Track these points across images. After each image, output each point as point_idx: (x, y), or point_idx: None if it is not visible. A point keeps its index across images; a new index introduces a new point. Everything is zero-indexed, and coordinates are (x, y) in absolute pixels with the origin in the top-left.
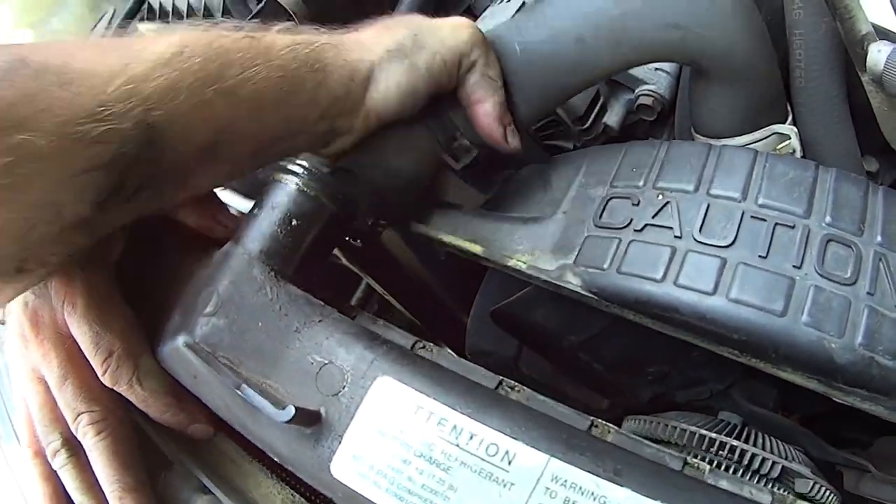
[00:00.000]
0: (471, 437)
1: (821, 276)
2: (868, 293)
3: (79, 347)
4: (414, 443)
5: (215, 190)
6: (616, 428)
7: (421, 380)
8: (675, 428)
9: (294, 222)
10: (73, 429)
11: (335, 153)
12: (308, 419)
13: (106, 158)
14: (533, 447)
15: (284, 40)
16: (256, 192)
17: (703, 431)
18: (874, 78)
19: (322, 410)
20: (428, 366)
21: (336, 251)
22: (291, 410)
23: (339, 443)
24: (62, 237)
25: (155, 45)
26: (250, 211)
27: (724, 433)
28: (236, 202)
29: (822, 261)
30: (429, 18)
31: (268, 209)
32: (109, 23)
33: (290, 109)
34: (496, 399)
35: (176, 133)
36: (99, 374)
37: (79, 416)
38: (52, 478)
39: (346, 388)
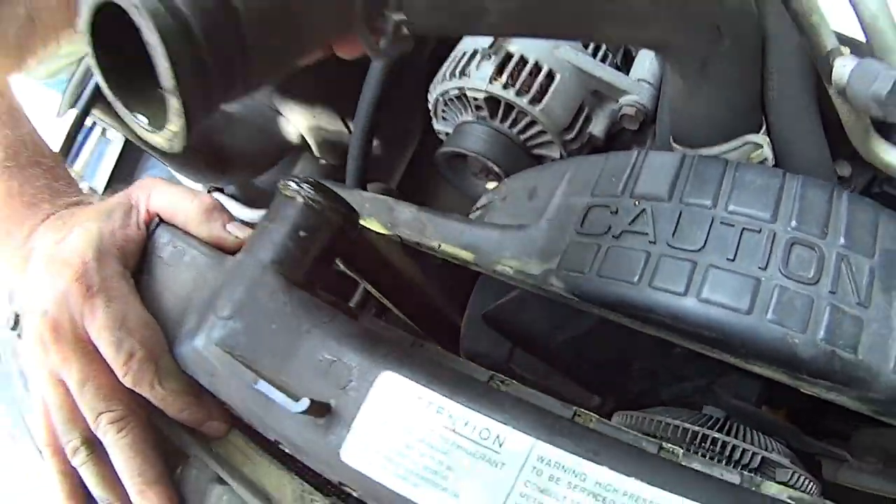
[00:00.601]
0: (465, 424)
1: (785, 276)
2: (830, 292)
3: (97, 352)
4: (415, 430)
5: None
6: (597, 416)
7: (420, 373)
8: (660, 422)
9: (302, 234)
10: (93, 427)
11: None
12: (320, 410)
13: None
14: (521, 431)
15: None
16: (253, 199)
17: (687, 425)
18: (839, 91)
19: (332, 402)
20: (426, 361)
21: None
22: (306, 402)
23: (348, 431)
24: None
25: None
26: (261, 223)
27: (707, 427)
28: (234, 209)
29: (786, 262)
30: None
31: (278, 222)
32: None
33: None
34: (488, 390)
35: None
36: (120, 376)
37: (99, 415)
38: (71, 474)
39: (352, 383)
